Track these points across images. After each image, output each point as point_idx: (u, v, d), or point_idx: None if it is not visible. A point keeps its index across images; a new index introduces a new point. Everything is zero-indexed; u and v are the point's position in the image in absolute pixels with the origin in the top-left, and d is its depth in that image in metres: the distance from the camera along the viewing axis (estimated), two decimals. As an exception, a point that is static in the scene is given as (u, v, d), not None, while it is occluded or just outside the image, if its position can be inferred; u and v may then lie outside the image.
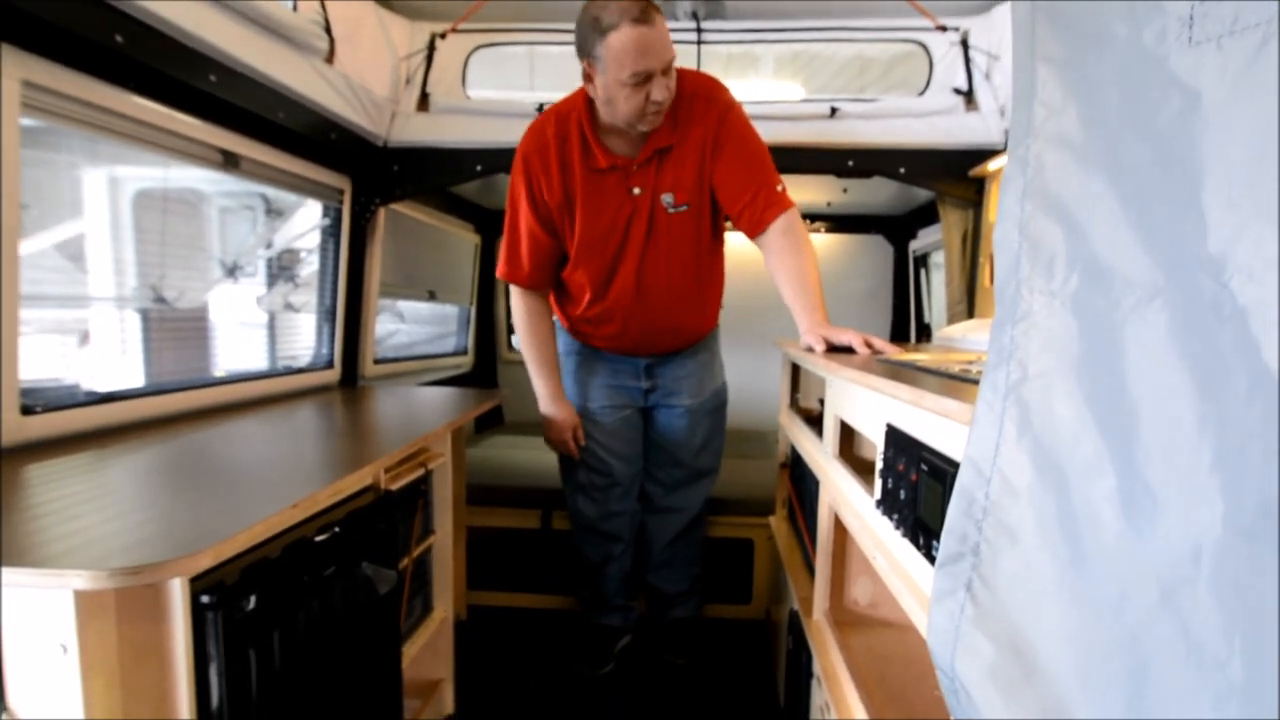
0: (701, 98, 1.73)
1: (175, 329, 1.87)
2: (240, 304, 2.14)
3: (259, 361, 2.15)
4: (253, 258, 2.18)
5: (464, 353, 3.59)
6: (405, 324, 3.15)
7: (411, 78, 2.31)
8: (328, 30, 1.89)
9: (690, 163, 1.75)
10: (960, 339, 1.90)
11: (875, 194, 2.99)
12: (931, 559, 0.80)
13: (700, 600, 2.28)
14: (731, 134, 1.75)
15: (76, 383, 1.49)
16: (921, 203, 2.94)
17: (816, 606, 1.54)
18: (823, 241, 3.56)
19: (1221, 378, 0.37)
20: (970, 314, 2.26)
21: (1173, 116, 0.40)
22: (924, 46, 2.28)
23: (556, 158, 1.74)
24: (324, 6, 1.90)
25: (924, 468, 0.84)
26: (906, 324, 3.55)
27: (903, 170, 2.23)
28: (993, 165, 2.10)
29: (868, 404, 1.21)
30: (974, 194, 2.23)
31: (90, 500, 0.96)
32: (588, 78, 1.62)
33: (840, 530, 1.50)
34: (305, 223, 2.28)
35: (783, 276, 1.75)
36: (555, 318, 2.02)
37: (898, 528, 0.94)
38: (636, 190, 1.74)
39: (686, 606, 2.23)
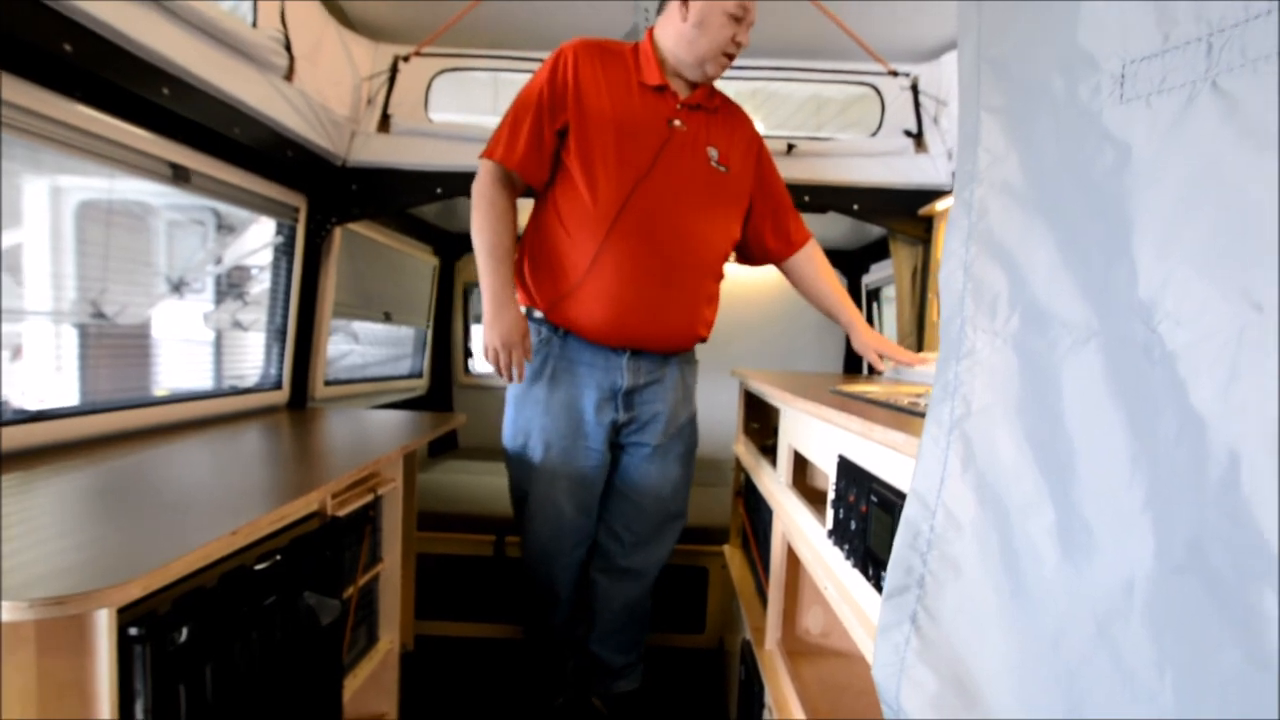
0: (738, 108, 1.87)
1: (115, 346, 1.79)
2: (186, 321, 2.07)
3: (203, 381, 2.07)
4: (201, 274, 2.12)
5: (419, 375, 3.53)
6: (359, 345, 3.09)
7: (373, 99, 2.30)
8: (287, 48, 1.88)
9: (737, 143, 1.80)
10: (911, 371, 1.95)
11: (829, 229, 3.07)
12: (880, 589, 0.81)
13: (643, 665, 2.07)
14: (768, 155, 1.89)
15: (5, 400, 1.42)
16: (873, 239, 3.03)
17: (769, 636, 1.54)
18: (779, 272, 3.63)
19: (1153, 418, 0.39)
20: (920, 347, 2.32)
21: (1106, 168, 0.42)
22: (877, 90, 2.37)
23: (604, 60, 1.69)
24: (284, 23, 1.88)
25: (874, 499, 0.86)
26: (858, 355, 3.62)
27: (856, 207, 2.30)
28: (940, 205, 2.18)
29: (820, 435, 1.22)
30: (923, 231, 2.31)
31: (13, 525, 0.91)
32: (683, 1, 1.63)
33: (793, 560, 1.51)
34: (257, 239, 2.23)
35: (825, 290, 1.91)
36: (528, 308, 1.77)
37: (848, 558, 0.95)
38: (677, 123, 1.70)
39: (631, 678, 2.02)
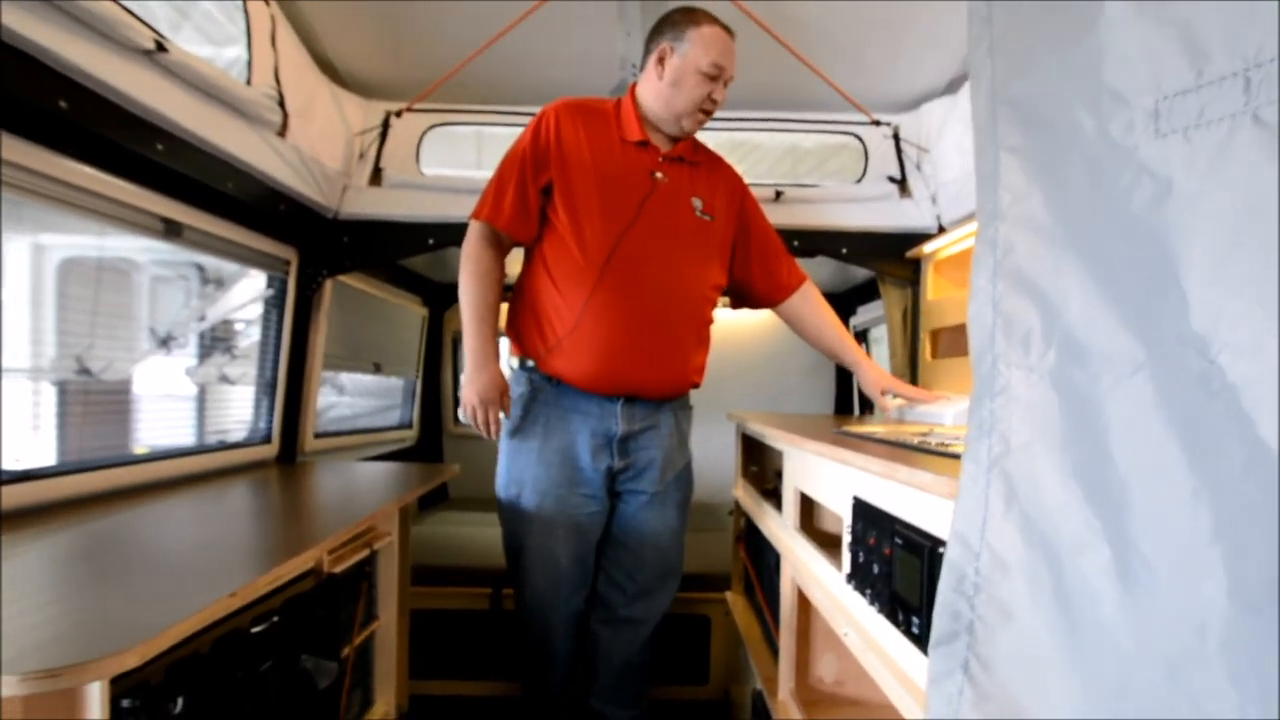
0: (721, 159, 1.91)
1: (98, 403, 1.75)
2: (171, 376, 2.03)
3: (188, 437, 2.02)
4: (185, 329, 2.09)
5: (409, 426, 3.48)
6: (346, 396, 3.05)
7: (365, 153, 2.31)
8: (281, 104, 1.89)
9: (721, 192, 1.83)
10: (914, 410, 1.95)
11: (816, 272, 3.10)
12: (912, 635, 0.79)
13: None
14: (753, 201, 1.92)
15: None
16: (860, 281, 3.06)
17: (781, 686, 1.50)
18: (767, 314, 3.66)
19: (1215, 450, 0.38)
20: (915, 385, 2.32)
21: (1145, 202, 0.43)
22: (860, 139, 2.43)
23: (585, 118, 1.73)
24: (278, 81, 1.90)
25: (898, 541, 0.84)
26: (849, 395, 3.64)
27: (844, 251, 2.33)
28: (928, 248, 2.22)
29: (831, 477, 1.21)
30: (911, 273, 2.34)
31: (-3, 594, 0.86)
32: (659, 60, 1.67)
33: (804, 605, 1.48)
34: (245, 293, 2.22)
35: (826, 330, 1.93)
36: (520, 358, 1.76)
37: (872, 603, 0.93)
38: (659, 175, 1.73)
39: None
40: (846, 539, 1.07)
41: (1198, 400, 0.39)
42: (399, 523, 1.71)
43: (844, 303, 3.54)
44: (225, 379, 2.27)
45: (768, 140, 2.66)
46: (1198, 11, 0.41)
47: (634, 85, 1.78)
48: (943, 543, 0.74)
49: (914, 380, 2.31)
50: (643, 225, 1.67)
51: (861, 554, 0.98)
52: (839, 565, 1.14)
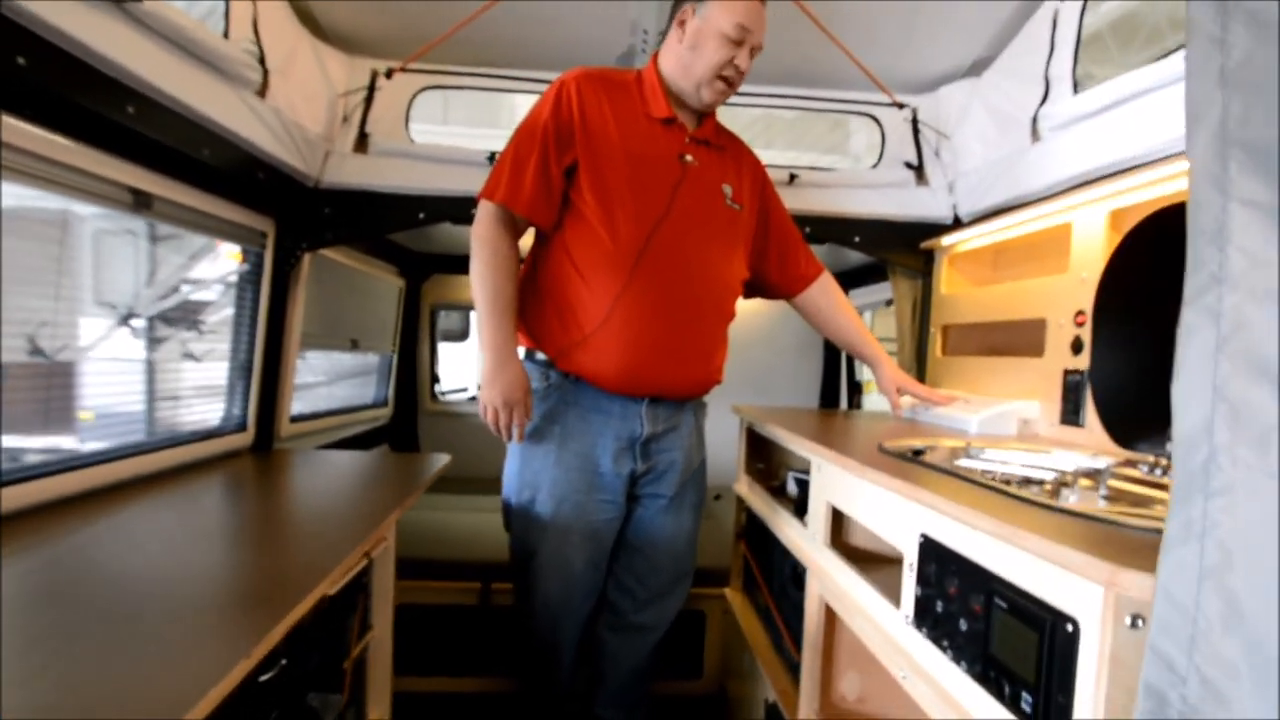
0: (742, 142, 1.80)
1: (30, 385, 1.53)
2: (122, 352, 1.83)
3: (140, 427, 1.79)
4: (149, 304, 1.91)
5: (384, 404, 3.33)
6: (310, 376, 2.86)
7: (349, 116, 2.12)
8: (261, 61, 1.70)
9: (746, 179, 1.74)
10: (924, 411, 1.90)
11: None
12: (1022, 713, 0.72)
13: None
14: (773, 188, 1.83)
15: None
16: (854, 265, 2.99)
17: (803, 705, 1.45)
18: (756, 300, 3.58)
19: None
20: (921, 381, 2.27)
21: None
22: (877, 120, 2.33)
23: (608, 91, 1.58)
24: (257, 35, 1.70)
25: (1000, 604, 0.77)
26: (836, 380, 3.60)
27: (857, 239, 2.25)
28: (945, 240, 2.15)
29: (882, 503, 1.14)
30: (923, 264, 2.28)
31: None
32: (680, 23, 1.56)
33: (830, 622, 1.43)
34: (211, 260, 2.02)
35: (845, 325, 1.87)
36: (529, 350, 1.65)
37: (956, 661, 0.86)
38: (688, 158, 1.60)
39: None
40: (909, 576, 1.00)
41: None
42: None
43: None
44: (190, 355, 2.10)
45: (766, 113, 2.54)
46: None
47: (655, 55, 1.65)
48: (1072, 619, 0.67)
49: (921, 376, 2.26)
50: (676, 213, 1.55)
51: (936, 601, 0.91)
52: (891, 596, 1.07)
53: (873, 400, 3.51)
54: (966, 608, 0.84)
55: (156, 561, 1.08)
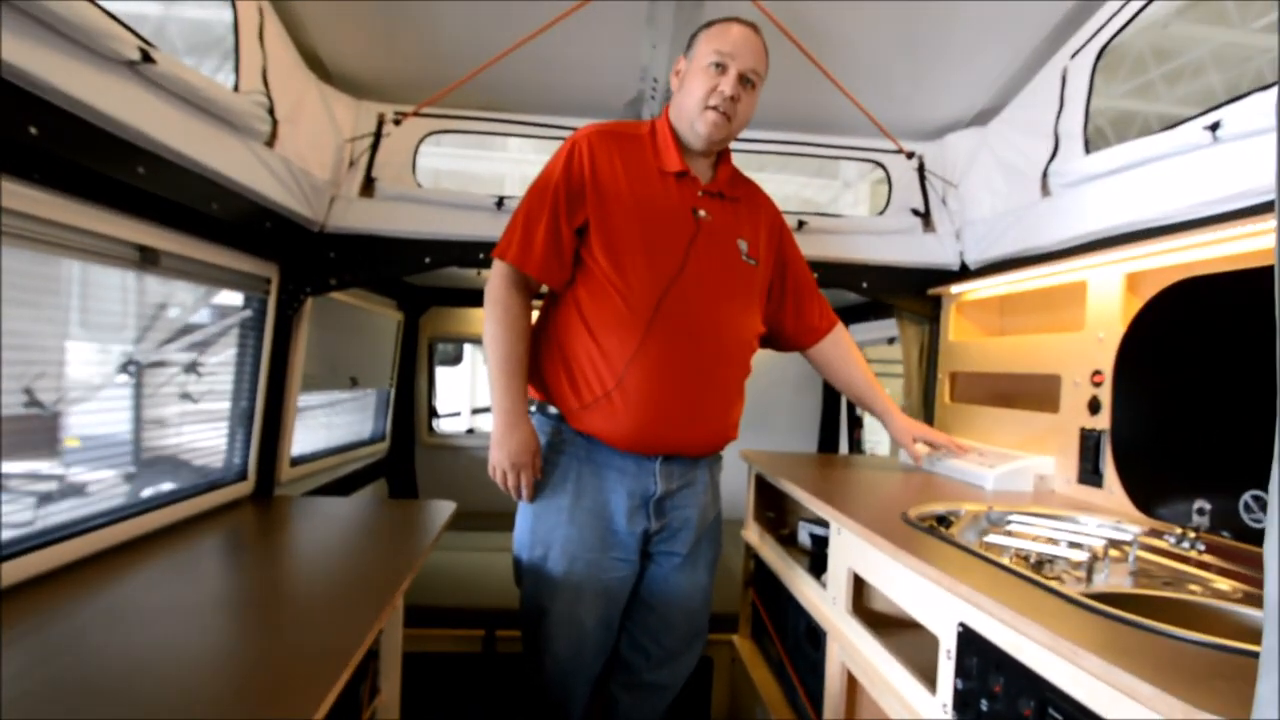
0: (760, 190, 1.79)
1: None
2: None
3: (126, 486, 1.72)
4: (158, 351, 1.86)
5: (382, 439, 3.29)
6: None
7: (355, 160, 2.10)
8: (270, 111, 1.68)
9: (763, 232, 1.72)
10: (939, 462, 1.89)
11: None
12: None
13: None
14: (790, 236, 1.82)
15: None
16: (850, 304, 2.98)
17: (825, 775, 1.42)
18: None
19: None
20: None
21: None
22: (884, 168, 2.34)
23: (620, 146, 1.58)
24: (267, 85, 1.68)
25: (1054, 714, 0.75)
26: (836, 415, 3.59)
27: (864, 284, 2.25)
28: (954, 289, 2.15)
29: (912, 583, 1.12)
30: (930, 310, 2.28)
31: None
32: (675, 74, 1.62)
33: (852, 688, 1.41)
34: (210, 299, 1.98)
35: (857, 377, 1.86)
36: (541, 404, 1.62)
37: (1004, 766, 0.84)
38: (702, 213, 1.59)
39: None
40: (946, 664, 0.98)
41: None
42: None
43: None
44: (187, 396, 2.05)
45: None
46: None
47: (668, 107, 1.65)
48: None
49: (929, 423, 2.25)
50: (690, 272, 1.53)
51: (979, 698, 0.89)
52: (923, 675, 1.05)
53: (871, 428, 3.51)
54: (1015, 711, 0.82)
55: (159, 653, 1.00)
